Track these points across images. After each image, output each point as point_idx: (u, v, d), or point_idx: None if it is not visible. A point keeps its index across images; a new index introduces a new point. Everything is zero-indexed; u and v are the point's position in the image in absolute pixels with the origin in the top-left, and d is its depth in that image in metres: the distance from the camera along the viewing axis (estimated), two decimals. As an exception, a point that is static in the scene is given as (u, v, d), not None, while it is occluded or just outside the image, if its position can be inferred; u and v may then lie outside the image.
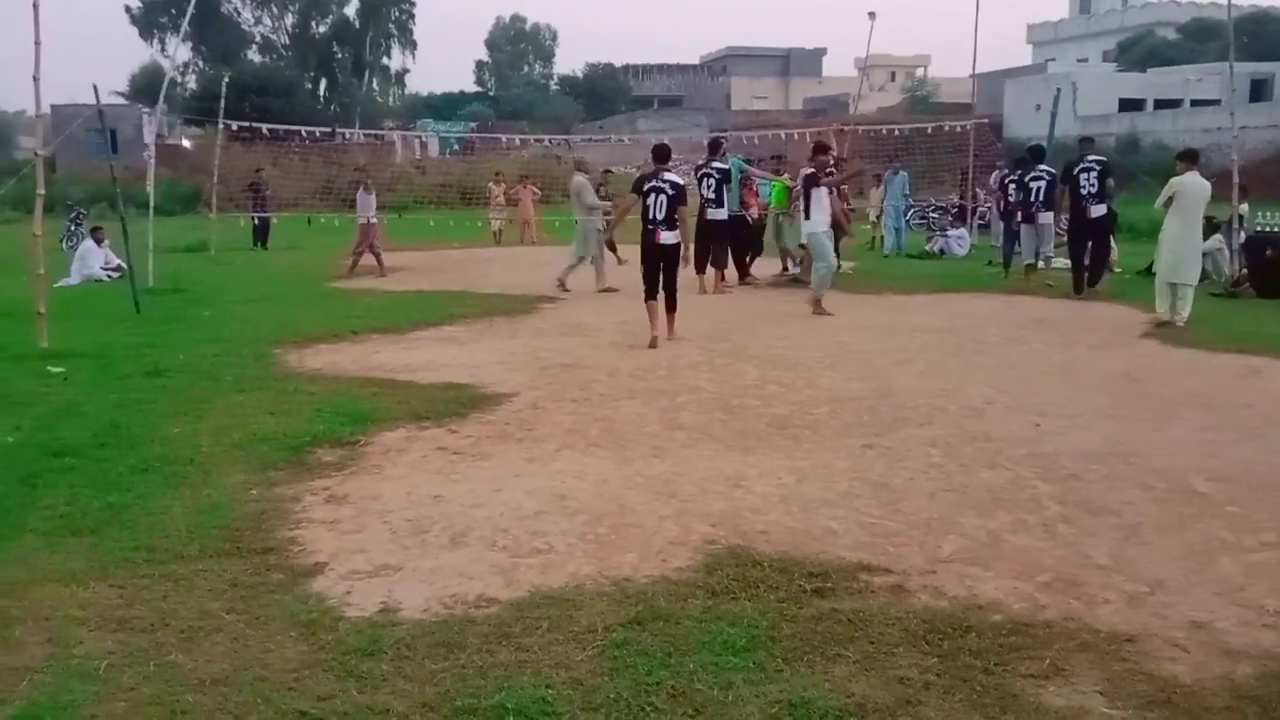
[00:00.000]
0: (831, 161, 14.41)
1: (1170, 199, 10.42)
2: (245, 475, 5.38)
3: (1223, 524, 4.54)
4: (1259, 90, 41.52)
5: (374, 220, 16.42)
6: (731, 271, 14.14)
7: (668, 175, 9.66)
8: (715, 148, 14.07)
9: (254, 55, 60.19)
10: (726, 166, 13.82)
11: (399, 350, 9.29)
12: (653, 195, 9.53)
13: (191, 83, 55.28)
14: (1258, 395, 7.18)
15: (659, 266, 9.62)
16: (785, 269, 15.10)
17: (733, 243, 14.12)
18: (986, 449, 5.79)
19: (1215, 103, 37.21)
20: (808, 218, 11.48)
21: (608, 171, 18.59)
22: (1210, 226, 14.21)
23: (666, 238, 9.55)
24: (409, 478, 5.39)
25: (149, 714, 3.06)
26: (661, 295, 9.64)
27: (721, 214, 13.39)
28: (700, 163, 13.97)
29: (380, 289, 14.22)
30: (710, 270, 13.52)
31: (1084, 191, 12.53)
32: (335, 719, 3.01)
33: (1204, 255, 13.64)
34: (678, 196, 9.51)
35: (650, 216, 9.54)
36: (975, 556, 4.20)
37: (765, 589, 3.85)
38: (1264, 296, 12.04)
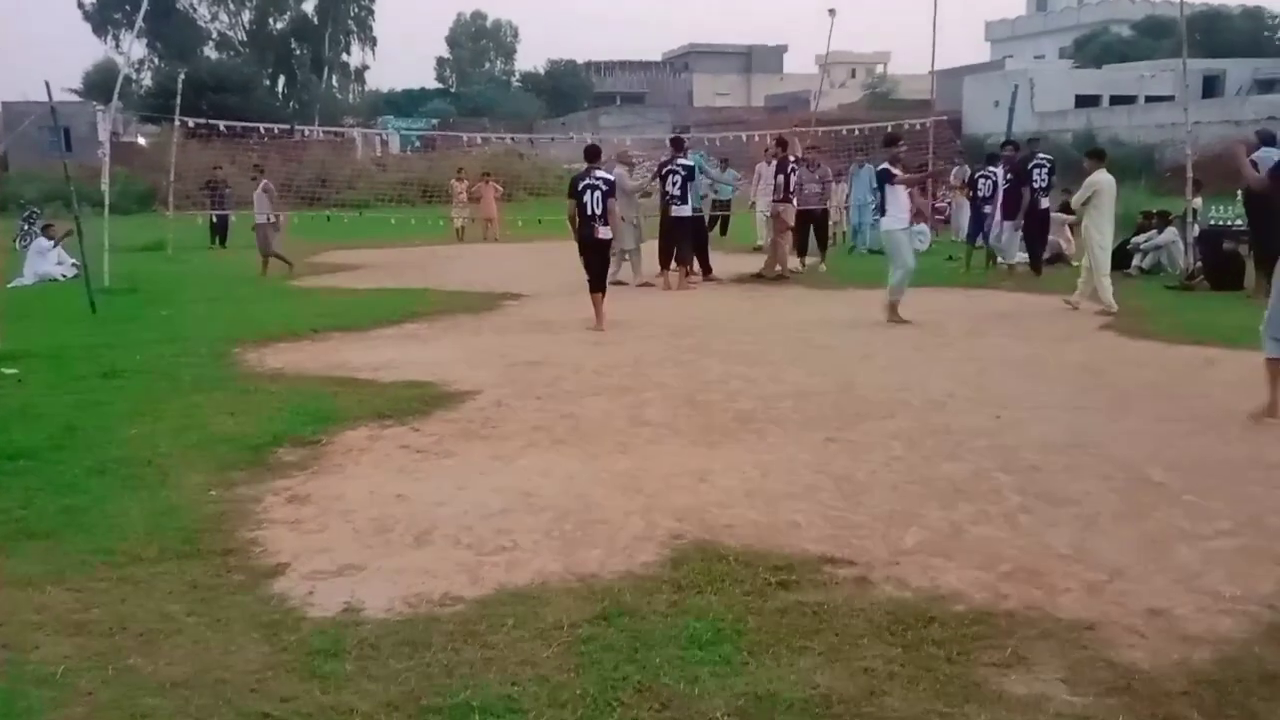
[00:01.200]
0: (792, 161, 14.55)
1: (1089, 197, 10.85)
2: (205, 476, 5.31)
3: (1180, 513, 4.61)
4: (1211, 86, 42.24)
5: (272, 220, 16.01)
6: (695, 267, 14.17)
7: (598, 173, 10.36)
8: (679, 145, 14.16)
9: (211, 52, 59.39)
10: (691, 163, 13.89)
11: (361, 348, 9.21)
12: (588, 192, 10.17)
13: (147, 80, 54.49)
14: (1213, 386, 7.31)
15: (596, 260, 10.36)
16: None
17: (697, 239, 14.17)
18: (948, 441, 5.84)
19: (1169, 99, 37.76)
20: (882, 214, 10.72)
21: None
22: (1165, 220, 14.47)
23: (604, 233, 10.29)
24: (372, 476, 5.34)
25: (108, 718, 3.01)
26: (603, 290, 10.37)
27: (686, 210, 13.46)
28: (664, 159, 14.00)
29: (342, 286, 14.09)
30: (674, 266, 13.54)
31: (1036, 185, 13.74)
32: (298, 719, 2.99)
33: (1158, 249, 13.91)
34: (610, 191, 10.26)
35: (589, 213, 10.18)
36: (938, 547, 4.24)
37: (731, 583, 3.86)
38: (1217, 289, 12.23)
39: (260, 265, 15.62)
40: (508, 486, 5.11)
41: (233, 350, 8.96)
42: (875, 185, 15.96)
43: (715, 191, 17.09)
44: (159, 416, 6.55)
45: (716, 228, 16.51)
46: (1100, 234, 10.90)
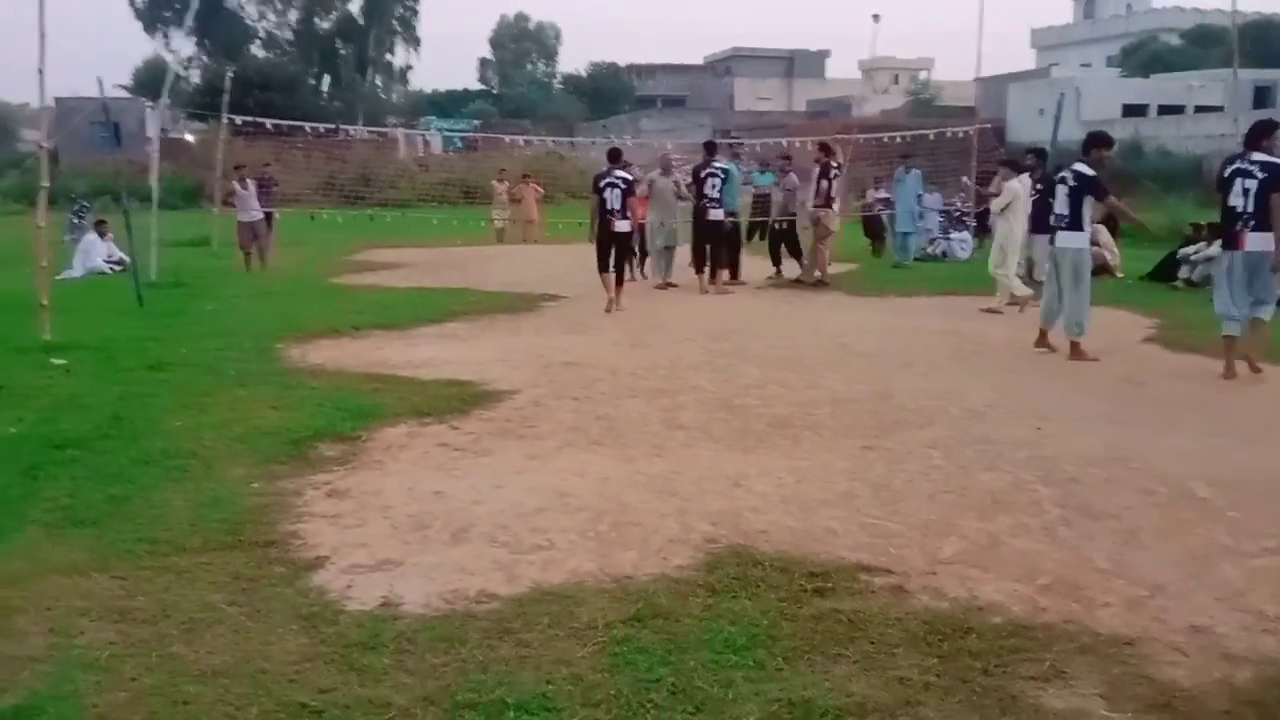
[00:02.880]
0: (834, 166, 14.49)
1: (1007, 205, 11.55)
2: (247, 469, 5.39)
3: (1223, 529, 4.54)
4: (1262, 97, 41.46)
5: (257, 219, 16.17)
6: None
7: (618, 172, 11.78)
8: (712, 149, 14.18)
9: (258, 50, 60.24)
10: (729, 167, 13.89)
11: (401, 346, 9.31)
12: (608, 189, 11.63)
13: (195, 77, 55.35)
14: (1258, 400, 7.19)
15: (611, 249, 11.72)
16: (778, 271, 15.10)
17: (731, 243, 14.20)
18: (987, 451, 5.79)
19: (1219, 109, 37.16)
20: (1074, 228, 8.77)
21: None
22: (1215, 232, 14.21)
23: (621, 225, 11.67)
24: (410, 473, 5.40)
25: (150, 704, 3.07)
26: (614, 272, 11.72)
27: (721, 213, 13.47)
28: (701, 163, 14.00)
29: (383, 285, 14.24)
30: (710, 269, 13.55)
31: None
32: (336, 711, 3.02)
33: (1209, 260, 13.65)
34: (628, 189, 11.73)
35: (608, 207, 11.61)
36: (975, 558, 4.21)
37: (765, 588, 3.86)
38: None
39: (259, 263, 15.85)
40: (544, 486, 5.14)
41: (276, 345, 9.09)
42: (920, 190, 15.53)
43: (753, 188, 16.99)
44: (203, 409, 6.66)
45: (755, 234, 16.40)
46: (1014, 238, 11.62)
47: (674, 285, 13.92)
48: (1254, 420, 6.60)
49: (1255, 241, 7.79)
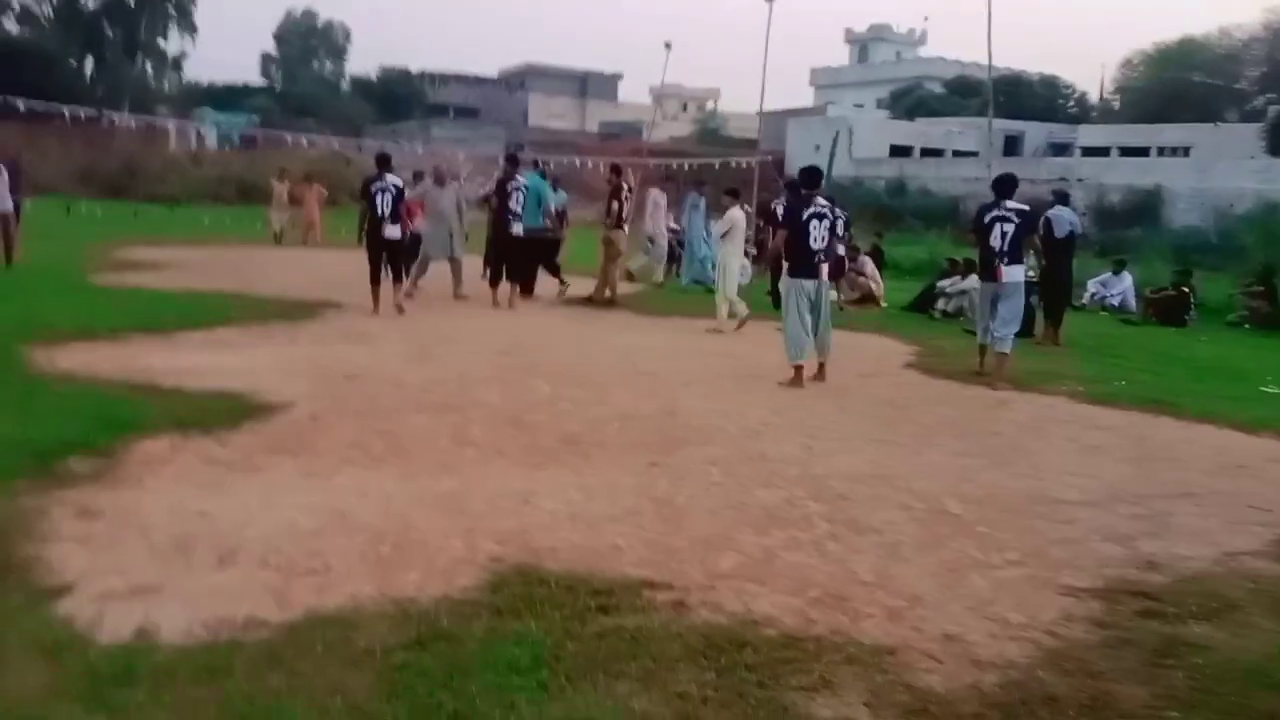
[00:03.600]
0: (626, 189, 14.75)
1: (727, 231, 12.57)
2: (-16, 484, 4.86)
3: (973, 543, 4.91)
4: (1012, 145, 45.58)
5: (7, 209, 14.63)
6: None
7: (390, 177, 11.96)
8: (515, 162, 14.14)
9: (10, 25, 55.04)
10: (532, 181, 13.91)
11: (165, 353, 8.69)
12: (379, 195, 11.80)
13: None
14: (1004, 425, 7.84)
15: (383, 255, 12.02)
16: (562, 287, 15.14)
17: (545, 256, 14.27)
18: (763, 468, 6.03)
19: (974, 154, 40.55)
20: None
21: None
22: (970, 268, 15.43)
23: (391, 231, 11.91)
24: (172, 490, 5.04)
25: None
26: (380, 282, 11.98)
27: (522, 228, 13.40)
28: (502, 176, 13.86)
29: (147, 285, 13.27)
30: (505, 284, 13.46)
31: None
32: (80, 754, 2.77)
33: (962, 294, 14.82)
34: (399, 195, 11.92)
35: (379, 213, 11.80)
36: (751, 573, 4.36)
37: (551, 607, 3.84)
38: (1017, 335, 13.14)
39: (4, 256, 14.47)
40: (321, 505, 4.92)
41: (19, 349, 8.26)
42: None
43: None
44: None
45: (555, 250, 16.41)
46: (734, 261, 12.67)
47: (464, 298, 13.74)
48: (1000, 442, 7.20)
49: (1010, 274, 9.50)
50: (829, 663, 3.54)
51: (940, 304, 15.13)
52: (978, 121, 40.32)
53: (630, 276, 16.63)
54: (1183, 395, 9.10)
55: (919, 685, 3.43)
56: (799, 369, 8.94)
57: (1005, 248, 9.38)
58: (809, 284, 9.04)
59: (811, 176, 9.43)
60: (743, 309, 12.42)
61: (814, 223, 8.96)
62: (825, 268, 9.11)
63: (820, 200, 9.09)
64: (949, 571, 4.53)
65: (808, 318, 9.04)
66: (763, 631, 3.76)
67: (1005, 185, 9.62)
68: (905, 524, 5.16)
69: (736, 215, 12.68)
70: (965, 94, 54.37)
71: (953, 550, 4.81)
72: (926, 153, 43.92)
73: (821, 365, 9.24)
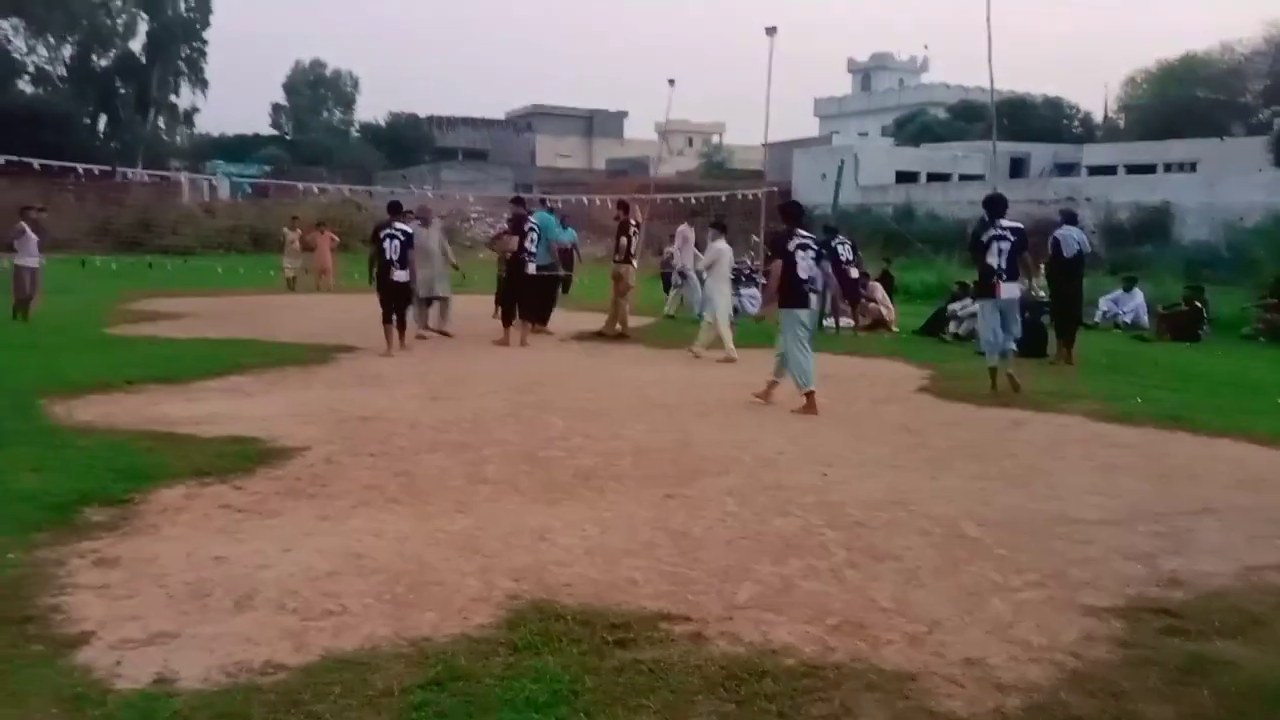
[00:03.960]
0: (633, 224, 14.87)
1: (713, 263, 12.86)
2: (2, 538, 4.88)
3: (992, 566, 4.88)
4: (1017, 168, 45.70)
5: (35, 265, 14.73)
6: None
7: (398, 224, 12.38)
8: (521, 203, 14.43)
9: (25, 86, 56.00)
10: (545, 218, 14.19)
11: (181, 402, 8.74)
12: (387, 240, 12.22)
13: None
14: (1020, 446, 7.80)
15: (392, 299, 12.29)
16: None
17: (547, 294, 14.40)
18: (779, 497, 6.01)
19: (980, 178, 40.62)
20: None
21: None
22: (964, 290, 15.47)
23: (399, 275, 12.25)
24: (189, 538, 5.06)
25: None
26: (394, 321, 12.33)
27: (537, 266, 13.61)
28: (517, 216, 13.98)
29: (162, 336, 13.38)
30: (519, 322, 13.55)
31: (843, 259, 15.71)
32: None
33: (973, 316, 14.80)
34: (408, 241, 12.30)
35: (387, 257, 12.18)
36: (769, 602, 4.34)
37: (568, 642, 3.83)
38: (1024, 356, 13.11)
39: (22, 312, 14.59)
40: (337, 548, 4.93)
41: (38, 402, 8.33)
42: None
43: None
44: None
45: (559, 287, 16.59)
46: (722, 293, 12.94)
47: (448, 335, 14.01)
48: (1017, 463, 7.16)
49: (1008, 290, 9.85)
50: (849, 690, 3.51)
51: (951, 327, 15.12)
52: (982, 145, 40.40)
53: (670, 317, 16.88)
54: (1199, 410, 9.04)
55: (941, 711, 3.40)
56: (810, 395, 8.95)
57: (1003, 265, 9.74)
58: (803, 313, 9.21)
59: (792, 210, 9.76)
60: (730, 347, 12.40)
61: (799, 253, 9.13)
62: (814, 297, 9.60)
63: (801, 232, 9.31)
64: (968, 595, 4.49)
65: (807, 346, 9.15)
66: (782, 661, 3.74)
67: (996, 205, 10.04)
68: (923, 549, 5.13)
69: (721, 247, 12.94)
70: (969, 118, 54.62)
71: (972, 574, 4.77)
72: (933, 178, 44.04)
73: (774, 385, 9.40)
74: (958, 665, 3.75)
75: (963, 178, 43.12)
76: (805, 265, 9.13)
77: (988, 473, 6.83)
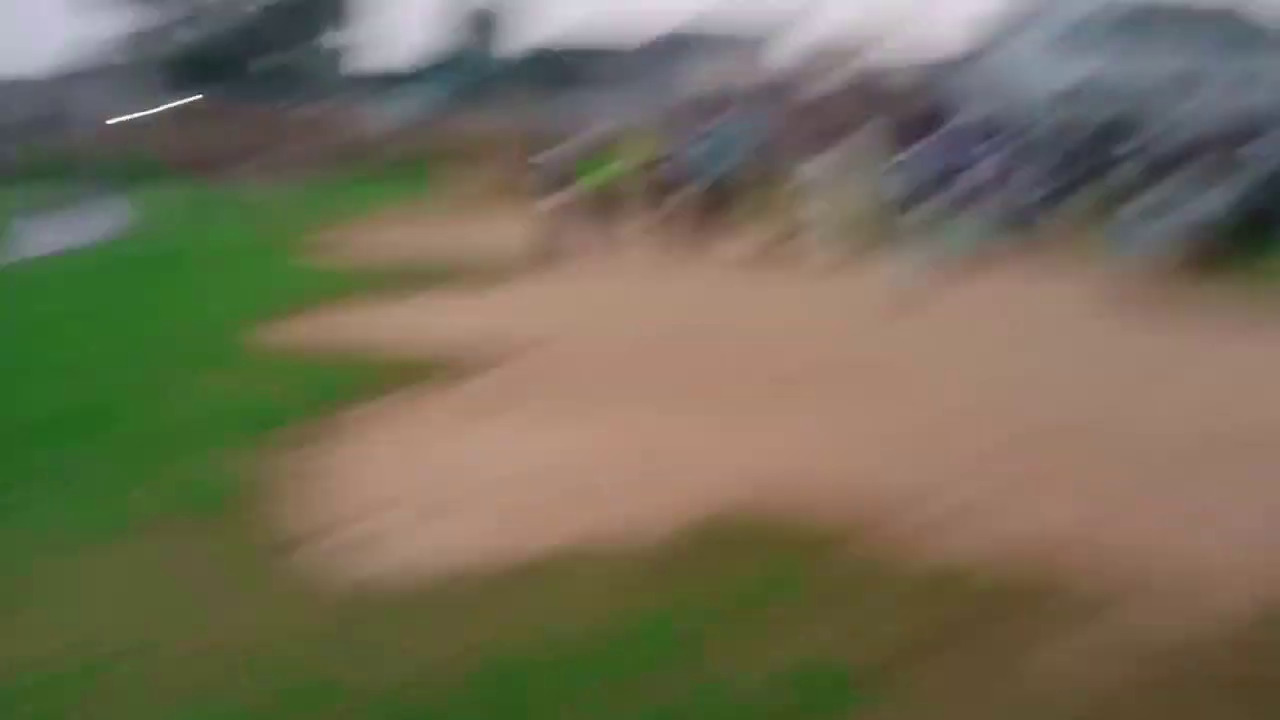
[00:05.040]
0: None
1: None
2: (215, 450, 5.07)
3: (1219, 480, 4.44)
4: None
5: None
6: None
7: None
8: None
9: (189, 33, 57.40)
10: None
11: (388, 315, 8.53)
12: None
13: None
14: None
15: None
16: None
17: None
18: (1008, 406, 5.54)
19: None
20: None
21: None
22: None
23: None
24: (398, 444, 5.16)
25: (131, 689, 2.99)
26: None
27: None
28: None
29: (370, 253, 12.44)
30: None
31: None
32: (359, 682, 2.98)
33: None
34: None
35: None
36: (978, 514, 4.12)
37: (773, 546, 3.81)
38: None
39: None
40: (550, 449, 4.96)
41: (247, 322, 8.32)
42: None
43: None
44: (167, 390, 6.34)
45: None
46: None
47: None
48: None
49: None
50: (1057, 609, 3.36)
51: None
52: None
53: None
54: None
55: (1159, 629, 3.22)
56: None
57: None
58: None
59: None
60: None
61: None
62: None
63: None
64: (1192, 513, 4.16)
65: None
66: (987, 576, 3.58)
67: None
68: (1156, 456, 4.76)
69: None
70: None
71: (1201, 486, 4.40)
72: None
73: None
74: (1176, 582, 3.52)
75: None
76: None
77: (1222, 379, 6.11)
